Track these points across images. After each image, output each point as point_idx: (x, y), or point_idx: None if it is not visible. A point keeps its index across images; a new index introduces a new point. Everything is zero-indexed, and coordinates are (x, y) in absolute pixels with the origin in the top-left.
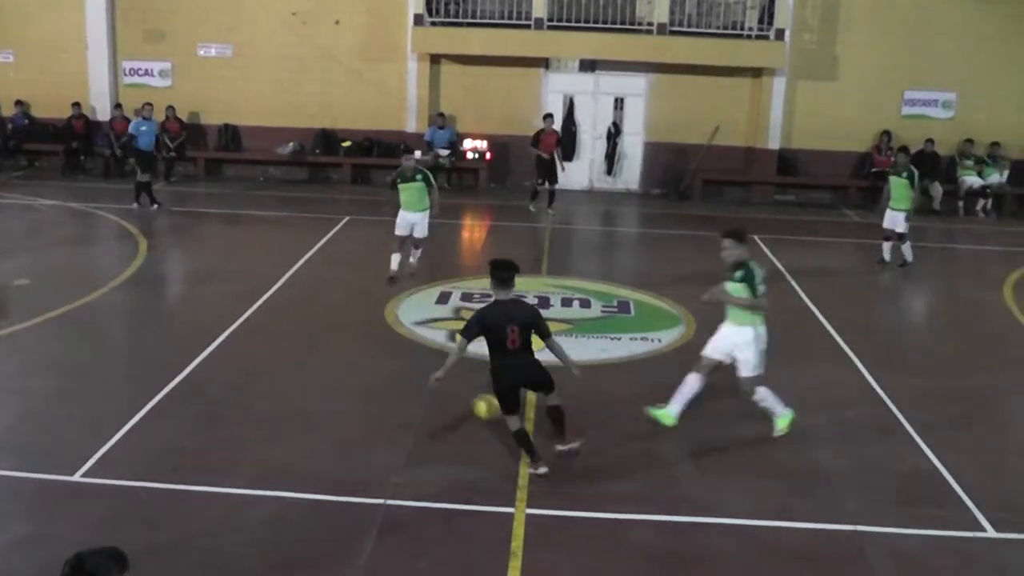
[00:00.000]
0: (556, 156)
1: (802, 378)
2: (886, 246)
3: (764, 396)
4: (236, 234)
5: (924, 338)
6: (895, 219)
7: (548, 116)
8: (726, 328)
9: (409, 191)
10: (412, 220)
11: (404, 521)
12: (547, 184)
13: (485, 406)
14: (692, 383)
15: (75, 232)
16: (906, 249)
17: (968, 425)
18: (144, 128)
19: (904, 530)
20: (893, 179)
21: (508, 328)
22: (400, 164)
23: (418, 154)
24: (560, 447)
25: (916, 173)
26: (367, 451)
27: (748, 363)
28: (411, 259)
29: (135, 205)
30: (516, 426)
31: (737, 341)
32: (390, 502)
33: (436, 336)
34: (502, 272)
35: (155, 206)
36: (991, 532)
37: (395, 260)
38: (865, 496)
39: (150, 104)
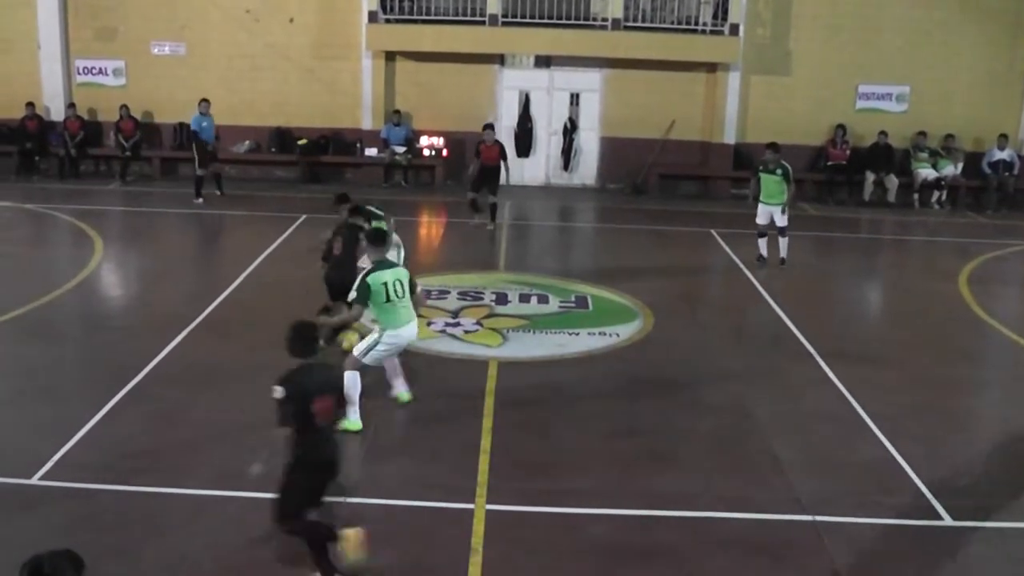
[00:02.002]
0: (503, 167)
1: (758, 369)
2: (762, 242)
3: (351, 383)
4: (193, 234)
5: (880, 329)
6: (770, 213)
7: (488, 127)
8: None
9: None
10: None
11: (364, 519)
12: (488, 195)
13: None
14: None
15: (30, 233)
16: (783, 244)
17: (924, 414)
18: (205, 124)
19: (862, 519)
20: (764, 176)
21: None
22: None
23: (373, 151)
24: None
25: (789, 170)
26: None
27: (362, 345)
28: None
29: (199, 199)
30: None
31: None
32: (350, 500)
33: None
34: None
35: (219, 192)
36: (948, 520)
37: None
38: (823, 486)
39: (207, 100)
